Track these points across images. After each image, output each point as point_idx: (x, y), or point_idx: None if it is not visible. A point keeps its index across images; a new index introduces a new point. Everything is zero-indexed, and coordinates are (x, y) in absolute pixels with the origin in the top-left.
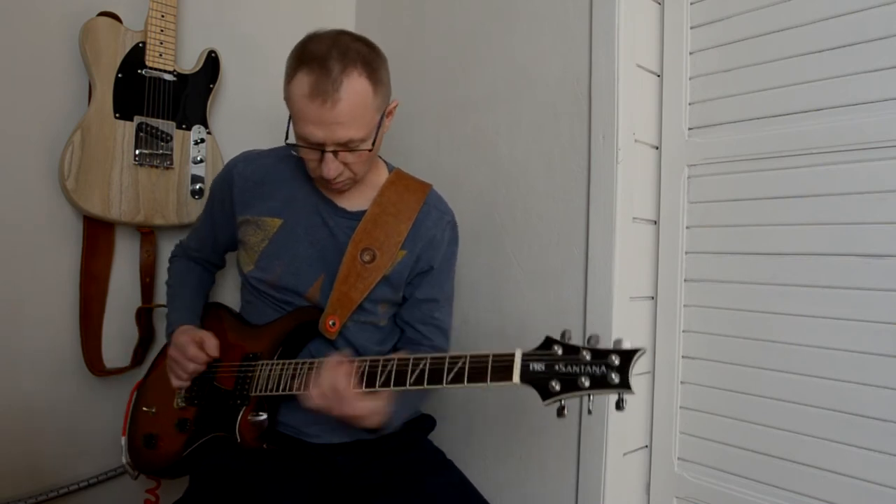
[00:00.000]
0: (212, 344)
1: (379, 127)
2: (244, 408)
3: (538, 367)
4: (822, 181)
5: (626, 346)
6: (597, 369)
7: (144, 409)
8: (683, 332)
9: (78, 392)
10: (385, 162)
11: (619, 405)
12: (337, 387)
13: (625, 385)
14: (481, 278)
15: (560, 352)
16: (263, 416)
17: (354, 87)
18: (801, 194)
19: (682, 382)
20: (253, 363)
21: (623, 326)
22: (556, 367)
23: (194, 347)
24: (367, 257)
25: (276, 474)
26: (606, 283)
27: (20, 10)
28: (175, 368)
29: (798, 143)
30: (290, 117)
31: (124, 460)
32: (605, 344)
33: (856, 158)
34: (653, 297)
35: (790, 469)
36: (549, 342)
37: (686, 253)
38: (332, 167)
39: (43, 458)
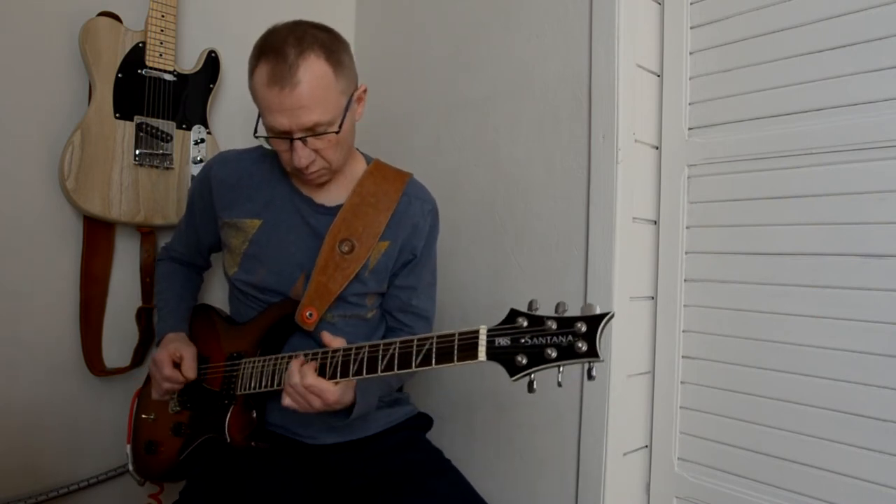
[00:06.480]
0: (189, 366)
1: (346, 111)
2: (231, 407)
3: (503, 341)
4: (822, 181)
5: (595, 311)
6: (563, 339)
7: (144, 416)
8: (683, 332)
9: (78, 392)
10: (364, 155)
11: (590, 375)
12: (295, 383)
13: (592, 353)
14: (481, 278)
15: (525, 324)
16: (252, 414)
17: (312, 70)
18: (801, 194)
19: (682, 382)
20: (237, 362)
21: (623, 326)
22: (522, 341)
23: (170, 367)
24: (345, 248)
25: (271, 474)
26: (606, 283)
27: (20, 9)
28: (154, 383)
29: (798, 143)
30: (259, 113)
31: (130, 468)
32: (574, 311)
33: (856, 158)
34: (653, 297)
35: (790, 469)
36: (513, 314)
37: (686, 253)
38: (302, 155)
39: (43, 458)
